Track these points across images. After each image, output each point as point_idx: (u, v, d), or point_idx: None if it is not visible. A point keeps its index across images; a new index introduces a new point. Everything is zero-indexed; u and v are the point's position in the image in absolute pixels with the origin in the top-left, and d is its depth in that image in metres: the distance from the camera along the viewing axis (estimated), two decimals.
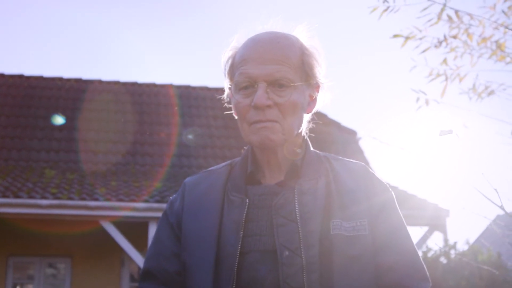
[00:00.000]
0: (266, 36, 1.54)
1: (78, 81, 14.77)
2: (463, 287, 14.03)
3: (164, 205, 9.89)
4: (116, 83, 14.88)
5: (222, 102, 1.67)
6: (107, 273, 11.42)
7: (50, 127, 13.22)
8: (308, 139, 1.63)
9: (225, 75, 1.60)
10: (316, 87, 1.59)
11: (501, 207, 2.11)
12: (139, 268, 11.21)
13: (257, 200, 1.51)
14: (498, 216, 18.83)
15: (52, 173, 11.49)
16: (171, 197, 1.68)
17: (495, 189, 2.01)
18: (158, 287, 1.54)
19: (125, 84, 14.90)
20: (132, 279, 11.71)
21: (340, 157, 1.63)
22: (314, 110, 1.60)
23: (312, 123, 1.65)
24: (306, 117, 1.59)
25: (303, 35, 1.58)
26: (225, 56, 1.60)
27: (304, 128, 1.60)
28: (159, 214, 10.17)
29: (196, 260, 1.49)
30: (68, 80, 14.75)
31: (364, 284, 1.44)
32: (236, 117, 1.57)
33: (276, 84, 1.48)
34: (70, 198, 9.82)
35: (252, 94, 1.49)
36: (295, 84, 1.50)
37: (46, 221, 10.06)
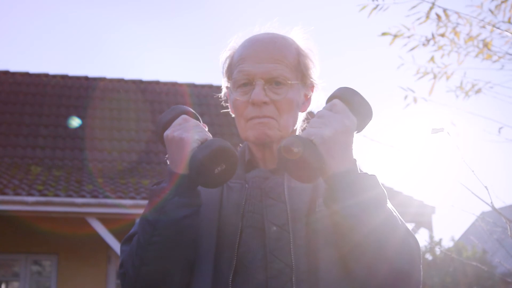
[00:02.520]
0: (264, 36, 1.61)
1: (64, 77, 14.69)
2: (448, 284, 14.15)
3: None
4: (102, 79, 14.82)
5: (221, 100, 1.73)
6: (93, 270, 11.38)
7: (36, 123, 13.14)
8: None
9: (223, 75, 1.67)
10: (311, 87, 1.65)
11: (491, 205, 2.13)
12: None
13: (251, 182, 1.58)
14: (483, 213, 19.01)
15: (38, 170, 11.42)
16: None
17: (486, 187, 2.04)
18: None
19: (111, 80, 14.84)
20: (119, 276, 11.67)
21: None
22: (308, 109, 1.67)
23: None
24: (301, 115, 1.65)
25: (299, 37, 1.65)
26: (223, 56, 1.67)
27: (298, 126, 1.65)
28: None
29: (198, 242, 1.53)
30: (54, 76, 14.67)
31: None
32: (233, 115, 1.63)
33: (273, 82, 1.54)
34: (57, 195, 9.77)
35: (250, 91, 1.55)
36: (292, 82, 1.56)
37: (32, 218, 10.00)
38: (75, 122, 13.04)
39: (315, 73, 1.64)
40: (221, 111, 1.78)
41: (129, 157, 12.74)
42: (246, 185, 1.58)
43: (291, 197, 1.53)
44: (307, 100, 1.65)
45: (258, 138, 1.55)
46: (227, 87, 1.66)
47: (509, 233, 2.21)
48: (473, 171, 1.97)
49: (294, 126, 1.61)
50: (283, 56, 1.56)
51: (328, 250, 1.45)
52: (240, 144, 1.71)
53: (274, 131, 1.54)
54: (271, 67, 1.53)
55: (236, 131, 1.64)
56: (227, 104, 1.67)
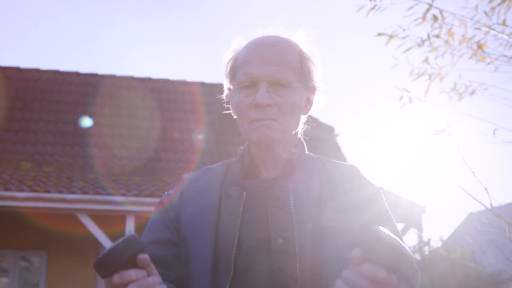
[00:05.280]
0: (268, 39, 1.62)
1: (55, 73, 14.62)
2: (437, 284, 14.23)
3: (141, 199, 9.91)
4: (94, 75, 14.76)
5: (220, 100, 1.74)
6: (83, 266, 11.35)
7: (27, 119, 13.07)
8: (303, 141, 1.70)
9: (225, 76, 1.68)
10: (313, 90, 1.67)
11: (491, 206, 2.14)
12: None
13: (253, 192, 1.57)
14: (472, 214, 19.11)
15: (28, 165, 11.37)
16: (167, 191, 1.72)
17: (486, 188, 2.05)
18: None
19: (103, 76, 14.78)
20: None
21: (333, 160, 1.71)
22: (309, 112, 1.69)
23: (307, 125, 1.73)
24: (303, 118, 1.67)
25: (302, 40, 1.67)
26: (226, 58, 1.68)
27: (300, 128, 1.67)
28: (137, 208, 10.19)
29: (195, 251, 1.53)
30: (45, 71, 14.58)
31: None
32: (235, 117, 1.64)
33: (276, 85, 1.55)
34: (47, 191, 9.73)
35: (253, 94, 1.56)
36: (295, 85, 1.57)
37: (22, 214, 9.96)
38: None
39: (317, 76, 1.66)
40: (223, 112, 1.78)
41: (120, 153, 12.71)
42: (244, 193, 1.56)
43: (297, 207, 1.52)
44: (309, 102, 1.66)
45: (261, 140, 1.55)
46: (229, 89, 1.67)
47: (507, 235, 2.22)
48: (473, 172, 1.98)
49: (296, 128, 1.63)
50: (287, 59, 1.57)
51: (333, 264, 1.44)
52: (241, 147, 1.71)
53: (277, 133, 1.55)
54: (275, 70, 1.54)
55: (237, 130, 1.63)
56: (228, 106, 1.69)
